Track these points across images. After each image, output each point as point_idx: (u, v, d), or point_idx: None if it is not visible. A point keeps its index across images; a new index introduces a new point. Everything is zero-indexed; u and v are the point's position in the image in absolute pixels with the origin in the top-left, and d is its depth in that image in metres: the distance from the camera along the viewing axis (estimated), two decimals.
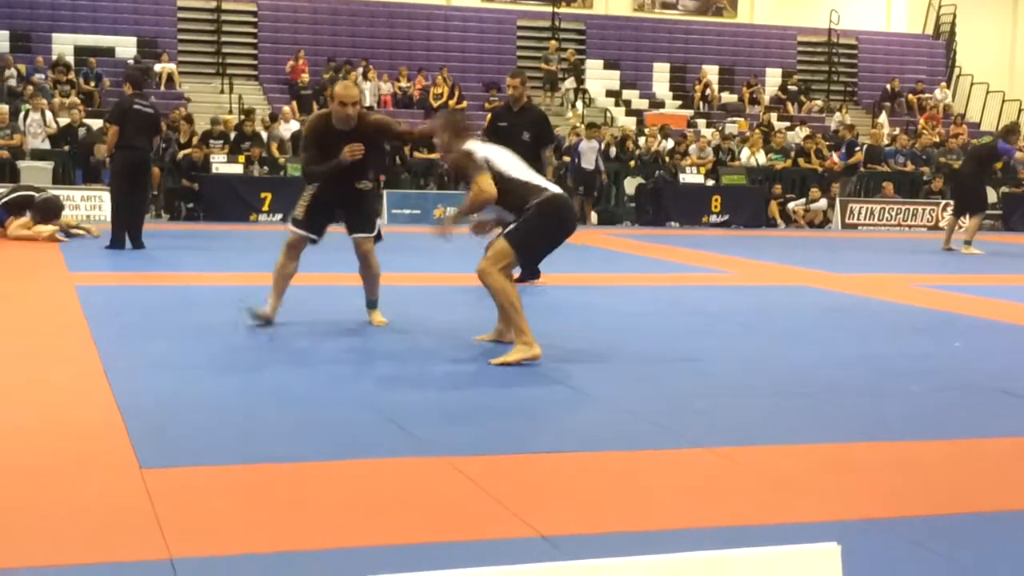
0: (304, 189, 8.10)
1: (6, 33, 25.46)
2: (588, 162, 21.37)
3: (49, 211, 15.22)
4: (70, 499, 3.99)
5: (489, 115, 13.27)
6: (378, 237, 8.24)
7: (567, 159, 21.99)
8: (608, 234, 19.20)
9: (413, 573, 1.77)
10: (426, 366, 6.77)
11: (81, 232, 15.23)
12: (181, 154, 20.16)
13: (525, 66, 28.71)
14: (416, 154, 22.53)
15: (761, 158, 23.81)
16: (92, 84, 23.97)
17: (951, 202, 23.14)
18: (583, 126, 22.87)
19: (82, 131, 20.77)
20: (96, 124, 21.05)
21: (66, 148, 20.40)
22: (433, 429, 5.14)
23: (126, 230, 13.63)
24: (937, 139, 26.83)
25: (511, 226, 6.96)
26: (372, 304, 8.31)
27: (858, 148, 24.09)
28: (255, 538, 3.65)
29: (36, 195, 15.45)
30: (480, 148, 7.07)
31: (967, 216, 17.76)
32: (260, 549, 3.55)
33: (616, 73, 29.31)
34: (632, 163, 23.27)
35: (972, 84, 31.41)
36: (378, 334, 7.96)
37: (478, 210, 7.03)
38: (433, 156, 22.57)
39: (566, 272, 10.99)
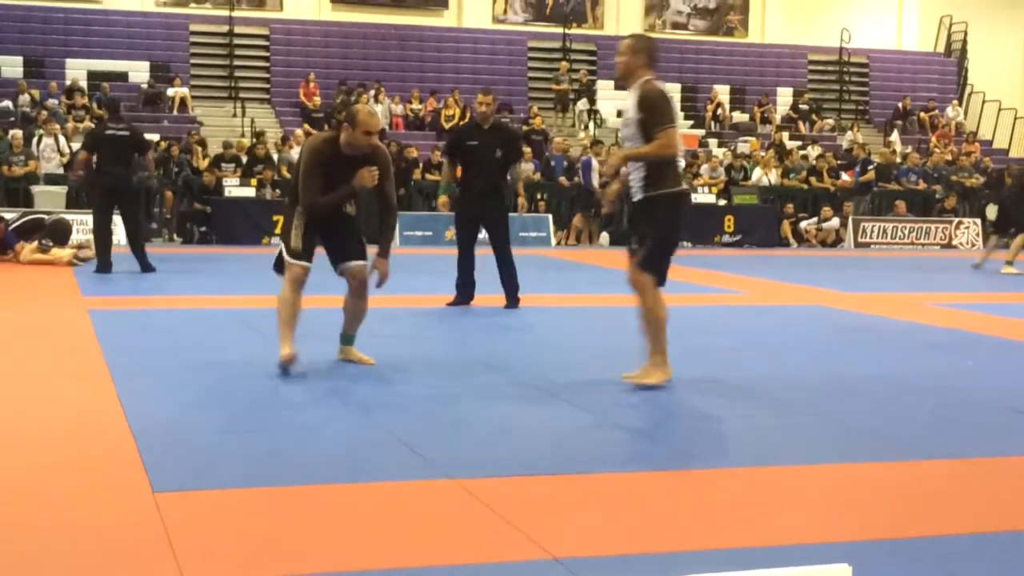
0: (294, 218, 7.36)
1: (19, 59, 25.60)
2: (595, 180, 21.39)
3: (60, 233, 15.31)
4: (83, 522, 4.00)
5: (453, 133, 13.06)
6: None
7: (578, 180, 22.04)
8: (620, 254, 19.18)
9: None
10: (437, 389, 6.77)
11: (91, 255, 15.26)
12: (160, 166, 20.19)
13: (536, 87, 28.84)
14: (428, 176, 22.56)
15: (773, 177, 23.80)
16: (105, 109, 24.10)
17: (976, 220, 23.17)
18: (590, 146, 22.95)
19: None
20: None
21: (80, 174, 20.44)
22: (444, 452, 5.14)
23: (109, 254, 13.78)
24: (949, 157, 26.79)
25: (648, 243, 6.75)
26: (350, 340, 7.65)
27: (871, 167, 24.07)
28: (267, 561, 3.65)
29: (46, 218, 15.54)
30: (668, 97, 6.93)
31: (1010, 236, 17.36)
32: (272, 572, 3.55)
33: (627, 93, 29.31)
34: None
35: (984, 102, 31.38)
36: (389, 357, 7.95)
37: (653, 159, 6.72)
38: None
39: (578, 292, 10.99)
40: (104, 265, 13.68)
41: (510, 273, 10.88)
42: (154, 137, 22.49)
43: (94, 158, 13.72)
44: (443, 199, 11.28)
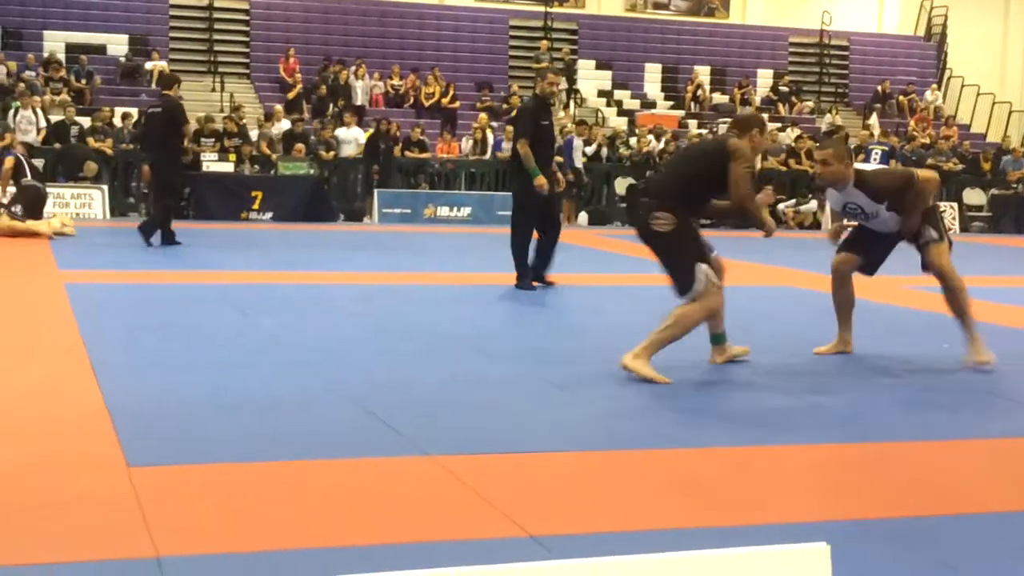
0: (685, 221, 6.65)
1: None
2: (577, 160, 21.38)
3: (32, 201, 15.28)
4: (57, 497, 3.97)
5: (521, 110, 12.38)
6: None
7: (559, 158, 22.00)
8: (598, 234, 19.20)
9: (401, 571, 1.76)
10: (417, 366, 6.76)
11: (66, 231, 15.06)
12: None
13: (517, 66, 28.75)
14: (407, 153, 22.50)
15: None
16: (83, 82, 23.90)
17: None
18: (573, 125, 22.90)
19: (74, 129, 20.74)
20: (86, 122, 21.02)
21: (56, 146, 20.36)
22: (422, 428, 5.13)
23: (168, 226, 14.13)
24: (927, 141, 26.87)
25: (932, 233, 7.23)
26: (723, 338, 7.17)
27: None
28: (242, 536, 3.64)
29: (23, 181, 15.55)
30: None
31: None
32: (247, 548, 3.54)
33: (608, 73, 29.29)
34: (626, 157, 23.23)
35: (963, 86, 31.45)
36: (366, 333, 7.94)
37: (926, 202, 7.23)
38: (424, 156, 22.54)
39: (557, 273, 10.98)
40: (166, 238, 14.04)
41: (554, 251, 10.94)
42: (131, 111, 22.37)
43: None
44: (543, 179, 10.65)
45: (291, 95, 24.95)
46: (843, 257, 7.64)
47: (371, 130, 22.17)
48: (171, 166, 14.24)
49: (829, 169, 7.16)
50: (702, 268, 6.52)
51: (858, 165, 7.39)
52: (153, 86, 24.76)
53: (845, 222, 7.80)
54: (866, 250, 7.58)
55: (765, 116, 27.50)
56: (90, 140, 20.39)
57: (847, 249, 7.64)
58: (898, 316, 9.80)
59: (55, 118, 21.08)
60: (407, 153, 22.54)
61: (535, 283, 10.66)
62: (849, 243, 7.66)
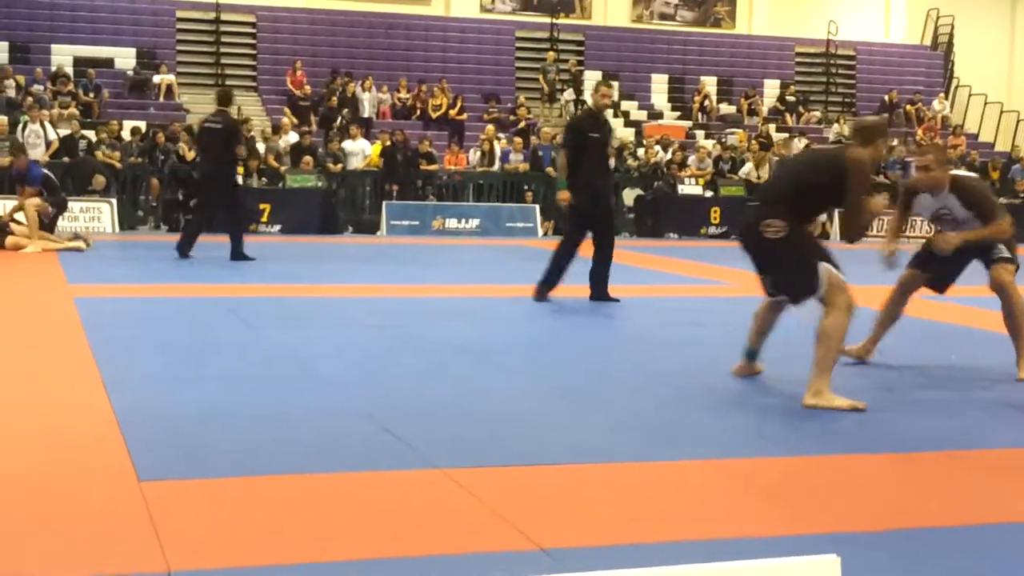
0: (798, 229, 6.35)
1: (5, 44, 25.44)
2: None
3: (59, 206, 15.52)
4: (68, 511, 3.98)
5: (568, 122, 12.72)
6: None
7: None
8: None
9: None
10: (425, 379, 6.76)
11: (78, 245, 15.05)
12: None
13: (523, 77, 28.78)
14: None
15: (764, 173, 23.78)
16: (91, 95, 23.97)
17: None
18: None
19: (82, 143, 20.78)
20: (94, 135, 21.05)
21: (65, 160, 20.40)
22: (433, 441, 5.13)
23: (188, 242, 14.29)
24: None
25: (1004, 251, 7.28)
26: (756, 354, 7.07)
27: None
28: (254, 551, 3.64)
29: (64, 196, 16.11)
30: None
31: None
32: (258, 562, 3.54)
33: (615, 84, 29.30)
34: (634, 168, 23.21)
35: (970, 95, 31.43)
36: (377, 346, 7.94)
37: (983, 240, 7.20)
38: (432, 168, 22.56)
39: (565, 284, 10.99)
40: (181, 250, 14.19)
41: (608, 269, 10.86)
42: (140, 124, 22.43)
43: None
44: (566, 194, 10.62)
45: (290, 108, 24.89)
46: (912, 273, 7.61)
47: (378, 143, 22.20)
48: (226, 180, 14.44)
49: (931, 175, 7.13)
50: (824, 266, 6.19)
51: (955, 171, 7.44)
52: (164, 99, 24.93)
53: (893, 249, 7.56)
54: (938, 266, 7.50)
55: (772, 125, 27.56)
56: (98, 153, 20.43)
57: (917, 266, 7.59)
58: (904, 326, 9.78)
59: (63, 132, 21.13)
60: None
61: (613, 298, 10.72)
62: (919, 259, 7.59)
